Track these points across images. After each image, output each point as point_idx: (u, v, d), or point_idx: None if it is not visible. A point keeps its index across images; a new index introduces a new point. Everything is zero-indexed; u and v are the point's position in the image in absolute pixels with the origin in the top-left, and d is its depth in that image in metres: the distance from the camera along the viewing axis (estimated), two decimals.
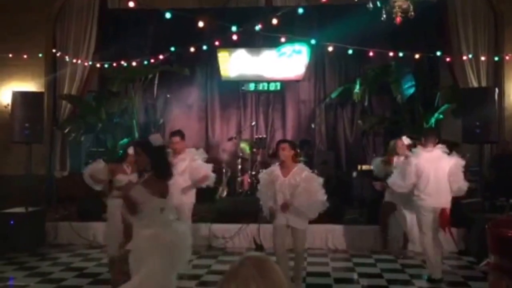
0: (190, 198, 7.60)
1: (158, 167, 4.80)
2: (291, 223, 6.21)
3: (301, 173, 6.22)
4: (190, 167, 7.53)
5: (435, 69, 11.20)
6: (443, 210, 6.81)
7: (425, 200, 6.85)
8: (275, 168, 6.41)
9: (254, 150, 11.02)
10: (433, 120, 10.39)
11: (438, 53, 10.28)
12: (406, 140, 8.22)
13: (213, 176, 7.74)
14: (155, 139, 4.89)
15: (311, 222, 7.69)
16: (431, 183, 6.82)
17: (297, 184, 6.13)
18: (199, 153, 7.80)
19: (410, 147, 8.07)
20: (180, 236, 4.81)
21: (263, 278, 1.88)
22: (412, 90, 10.56)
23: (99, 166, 6.75)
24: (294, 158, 6.38)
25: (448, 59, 10.25)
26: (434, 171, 6.81)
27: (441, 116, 10.45)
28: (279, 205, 6.19)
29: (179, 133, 7.82)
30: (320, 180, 6.32)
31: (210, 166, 7.74)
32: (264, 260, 1.97)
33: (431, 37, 10.79)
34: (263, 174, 6.59)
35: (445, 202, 6.87)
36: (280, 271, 1.97)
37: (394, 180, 7.15)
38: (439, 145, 7.00)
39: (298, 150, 6.88)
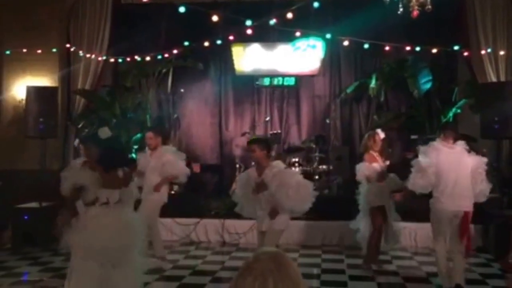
0: (159, 196, 7.45)
1: (102, 158, 5.06)
2: (266, 228, 6.10)
3: (273, 169, 6.06)
4: (161, 163, 7.41)
5: (452, 63, 11.00)
6: (466, 214, 6.14)
7: (445, 204, 6.13)
8: (251, 169, 6.38)
9: None
10: (450, 115, 10.24)
11: (456, 47, 10.12)
12: (382, 133, 7.51)
13: (186, 172, 7.57)
14: (103, 132, 5.22)
15: (325, 219, 7.63)
16: (452, 184, 6.11)
17: (271, 181, 5.99)
18: (172, 151, 7.70)
19: (385, 141, 7.52)
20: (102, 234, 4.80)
21: (280, 272, 1.85)
22: (429, 85, 10.41)
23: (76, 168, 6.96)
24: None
25: (466, 54, 10.06)
26: (456, 170, 6.13)
27: (458, 111, 10.30)
28: (264, 208, 6.09)
29: (154, 129, 7.93)
30: (292, 171, 6.20)
31: (182, 162, 7.59)
32: (280, 254, 1.94)
33: (449, 31, 10.61)
34: (240, 177, 6.51)
35: (468, 205, 6.19)
36: (296, 266, 1.93)
37: (415, 182, 6.27)
38: (460, 142, 6.37)
39: (271, 148, 6.63)
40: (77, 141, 7.09)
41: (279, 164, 6.26)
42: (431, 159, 6.22)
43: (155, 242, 7.55)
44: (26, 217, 8.98)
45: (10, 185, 9.52)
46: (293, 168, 10.55)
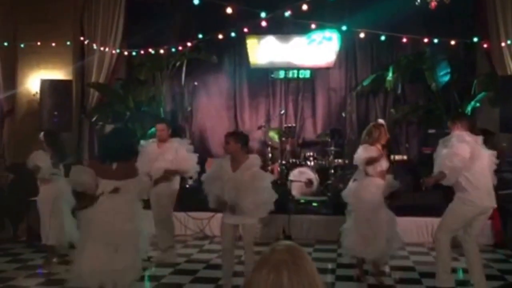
0: (171, 188, 7.42)
1: (99, 152, 5.63)
2: (240, 221, 5.93)
3: (251, 168, 5.82)
4: (177, 158, 7.36)
5: (471, 56, 10.81)
6: (495, 211, 5.90)
7: (483, 198, 5.72)
8: (225, 160, 5.98)
9: (284, 138, 10.86)
10: (469, 109, 10.07)
11: (475, 39, 9.94)
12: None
13: (195, 168, 7.51)
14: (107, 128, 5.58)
15: (341, 213, 7.52)
16: (481, 176, 5.71)
17: (244, 179, 5.73)
18: (183, 143, 7.67)
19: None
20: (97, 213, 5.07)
21: (295, 265, 1.82)
22: (447, 78, 10.26)
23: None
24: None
25: (485, 46, 9.88)
26: (482, 161, 5.74)
27: (477, 104, 10.12)
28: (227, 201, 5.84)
29: (166, 121, 7.99)
30: (269, 178, 6.02)
31: (195, 157, 7.56)
32: (296, 248, 1.91)
33: (468, 22, 10.43)
34: (212, 166, 6.17)
35: (494, 200, 5.87)
36: (312, 261, 1.88)
37: (455, 164, 5.59)
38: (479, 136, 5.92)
39: (247, 142, 6.31)
40: (42, 134, 7.26)
41: (256, 161, 5.97)
42: (464, 150, 5.68)
43: (165, 233, 7.49)
44: None
45: (24, 178, 9.51)
46: (308, 162, 10.48)
